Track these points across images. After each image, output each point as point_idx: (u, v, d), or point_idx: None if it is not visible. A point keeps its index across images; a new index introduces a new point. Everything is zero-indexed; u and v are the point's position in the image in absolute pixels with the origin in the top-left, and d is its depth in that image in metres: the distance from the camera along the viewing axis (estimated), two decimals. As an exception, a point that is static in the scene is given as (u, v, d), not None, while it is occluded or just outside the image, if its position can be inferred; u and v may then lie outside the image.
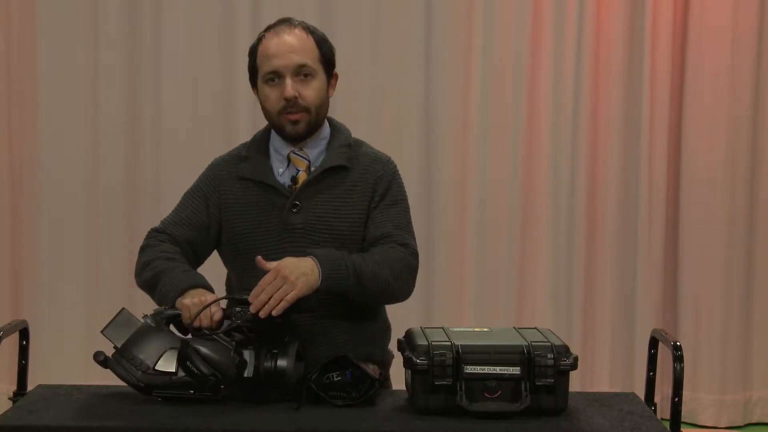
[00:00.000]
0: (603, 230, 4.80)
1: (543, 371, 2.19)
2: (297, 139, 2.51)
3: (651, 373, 2.48)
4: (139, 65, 4.68)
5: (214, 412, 2.18)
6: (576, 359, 2.23)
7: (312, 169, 2.51)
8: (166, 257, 2.47)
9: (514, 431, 2.13)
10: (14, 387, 2.40)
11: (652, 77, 4.73)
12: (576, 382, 4.74)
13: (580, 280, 4.77)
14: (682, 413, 2.23)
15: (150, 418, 2.14)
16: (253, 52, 2.52)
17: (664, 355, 4.24)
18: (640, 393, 2.51)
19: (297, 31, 2.49)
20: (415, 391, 2.23)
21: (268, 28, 2.52)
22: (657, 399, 2.56)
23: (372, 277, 2.40)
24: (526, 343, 2.22)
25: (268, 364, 2.22)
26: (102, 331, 2.26)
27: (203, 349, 2.20)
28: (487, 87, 4.71)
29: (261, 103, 2.54)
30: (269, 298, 2.24)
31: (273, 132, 2.56)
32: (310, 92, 2.48)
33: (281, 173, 2.51)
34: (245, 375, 2.22)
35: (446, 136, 4.75)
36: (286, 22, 2.53)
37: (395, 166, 2.60)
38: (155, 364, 2.21)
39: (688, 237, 4.81)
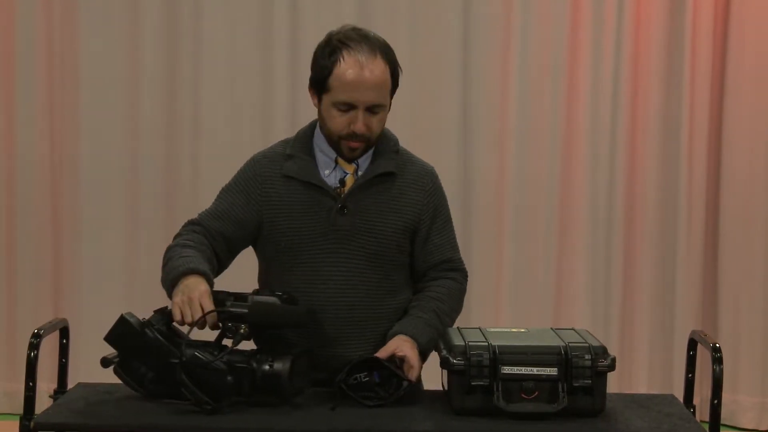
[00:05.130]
0: (642, 231, 4.77)
1: (580, 372, 2.18)
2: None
3: (690, 375, 2.46)
4: (178, 65, 4.71)
5: (247, 413, 2.19)
6: (614, 360, 2.22)
7: (359, 172, 2.51)
8: (183, 244, 2.46)
9: (550, 432, 2.12)
10: (55, 385, 2.42)
11: (692, 77, 4.69)
12: (614, 383, 4.67)
13: (618, 281, 4.74)
14: (722, 415, 2.21)
15: (193, 417, 2.15)
16: (326, 67, 2.42)
17: (704, 356, 4.20)
18: (679, 395, 2.49)
19: (378, 62, 2.43)
20: (451, 392, 2.22)
21: (347, 45, 2.42)
22: (696, 401, 2.54)
23: (447, 327, 2.51)
24: (563, 344, 2.22)
25: (265, 367, 2.22)
26: (105, 339, 2.28)
27: (198, 375, 2.18)
28: (525, 88, 4.70)
29: (322, 117, 2.49)
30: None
31: (318, 132, 2.54)
32: (376, 124, 2.46)
33: (327, 174, 2.50)
34: (243, 387, 2.21)
35: (484, 138, 4.74)
36: (366, 44, 2.44)
37: (439, 178, 2.63)
38: (156, 379, 2.23)
39: (728, 238, 4.77)
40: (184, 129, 4.73)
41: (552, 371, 2.18)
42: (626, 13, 4.68)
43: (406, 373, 2.33)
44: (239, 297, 2.30)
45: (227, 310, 2.25)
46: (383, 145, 2.53)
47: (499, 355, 2.18)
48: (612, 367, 2.20)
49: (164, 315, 2.29)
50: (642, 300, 4.78)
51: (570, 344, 2.21)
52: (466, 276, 2.64)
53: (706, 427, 2.19)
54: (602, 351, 2.21)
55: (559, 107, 4.71)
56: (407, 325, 2.46)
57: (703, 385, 4.51)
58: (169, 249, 2.47)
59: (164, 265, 2.41)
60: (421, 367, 2.39)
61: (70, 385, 2.42)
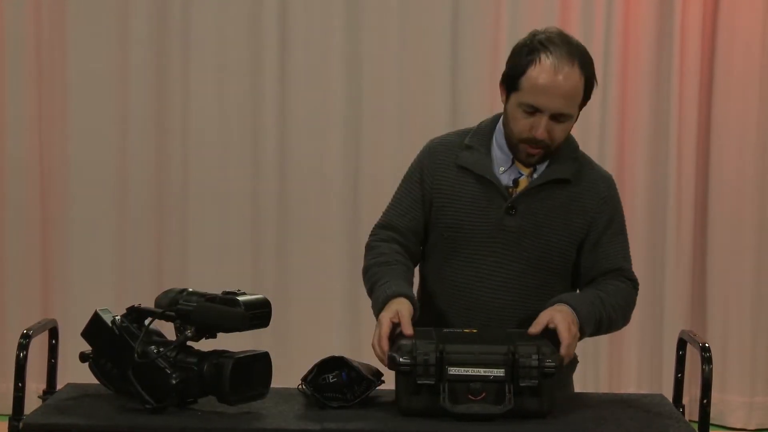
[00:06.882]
0: (631, 231, 4.67)
1: (526, 372, 2.15)
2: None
3: (679, 375, 2.46)
4: (167, 64, 4.71)
5: (240, 412, 2.19)
6: (562, 361, 2.20)
7: (534, 175, 2.47)
8: (381, 261, 2.47)
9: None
10: (44, 385, 2.42)
11: (681, 78, 4.70)
12: (604, 383, 4.73)
13: (608, 280, 4.75)
14: (711, 415, 2.22)
15: (185, 418, 2.15)
16: (521, 66, 2.39)
17: (693, 356, 4.21)
18: (668, 394, 2.49)
19: (574, 70, 2.36)
20: (398, 392, 2.20)
21: (546, 48, 2.37)
22: (685, 400, 2.54)
23: (608, 326, 2.46)
24: (511, 345, 2.18)
25: (208, 367, 2.17)
26: (81, 334, 2.27)
27: (148, 374, 2.18)
28: (514, 87, 4.70)
29: (507, 115, 2.45)
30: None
31: (500, 128, 2.50)
32: (558, 133, 2.40)
33: (502, 172, 2.47)
34: (189, 387, 2.18)
35: (474, 136, 4.74)
36: (566, 49, 2.37)
37: (616, 187, 2.57)
38: (120, 375, 2.21)
39: (717, 238, 4.78)
40: (173, 128, 4.73)
41: (499, 372, 2.14)
42: (615, 13, 4.69)
43: (560, 346, 2.25)
44: (207, 297, 2.26)
45: (178, 308, 2.23)
46: (563, 149, 2.47)
47: (446, 355, 2.15)
48: (558, 368, 2.18)
49: (136, 313, 2.28)
50: (631, 300, 4.78)
51: (518, 344, 2.18)
52: (637, 287, 2.55)
53: (696, 426, 2.20)
54: (550, 351, 2.18)
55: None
56: (568, 296, 2.39)
57: (692, 385, 4.52)
58: (368, 269, 2.48)
59: (371, 289, 2.44)
60: (574, 342, 2.28)
61: (59, 386, 2.42)
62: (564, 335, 2.25)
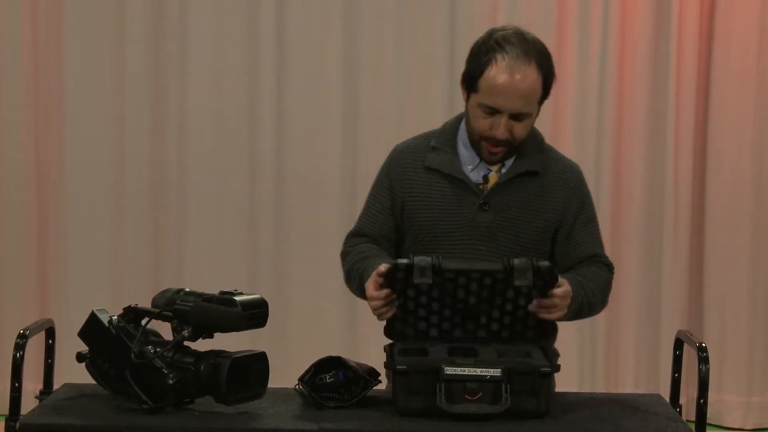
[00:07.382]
0: (628, 231, 4.78)
1: (521, 275, 2.20)
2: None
3: (676, 375, 2.47)
4: (164, 65, 4.70)
5: (237, 412, 2.19)
6: (554, 275, 2.24)
7: (503, 170, 2.50)
8: (362, 258, 2.49)
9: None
10: (40, 386, 2.42)
11: (678, 77, 4.70)
12: (601, 383, 4.73)
13: (604, 280, 4.75)
14: (708, 415, 2.22)
15: (181, 418, 2.15)
16: (478, 66, 2.42)
17: (690, 356, 4.21)
18: (665, 394, 2.50)
19: (530, 70, 2.38)
20: (395, 392, 2.21)
21: (502, 48, 2.39)
22: (682, 400, 2.55)
23: (588, 310, 2.48)
24: (507, 262, 2.22)
25: (206, 367, 2.18)
26: (78, 334, 2.27)
27: (145, 374, 2.18)
28: (511, 87, 4.70)
29: (468, 115, 2.48)
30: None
31: (464, 127, 2.53)
32: (519, 130, 2.43)
33: (471, 169, 2.50)
34: (186, 387, 2.19)
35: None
36: (522, 49, 2.39)
37: (583, 175, 2.60)
38: (117, 375, 2.22)
39: (714, 238, 4.78)
40: (170, 130, 4.72)
41: (496, 372, 2.16)
42: (612, 13, 4.69)
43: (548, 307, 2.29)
44: (204, 297, 2.26)
45: (175, 308, 2.23)
46: (528, 143, 2.50)
47: (443, 262, 2.21)
48: (555, 368, 2.19)
49: (133, 313, 2.28)
50: (629, 299, 4.78)
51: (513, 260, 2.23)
52: (613, 271, 2.58)
53: (693, 426, 2.20)
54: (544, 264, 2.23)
55: (545, 108, 4.66)
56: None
57: (690, 385, 4.51)
58: (350, 271, 2.51)
59: (359, 286, 2.44)
60: (567, 298, 2.32)
61: (56, 386, 2.42)
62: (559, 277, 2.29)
